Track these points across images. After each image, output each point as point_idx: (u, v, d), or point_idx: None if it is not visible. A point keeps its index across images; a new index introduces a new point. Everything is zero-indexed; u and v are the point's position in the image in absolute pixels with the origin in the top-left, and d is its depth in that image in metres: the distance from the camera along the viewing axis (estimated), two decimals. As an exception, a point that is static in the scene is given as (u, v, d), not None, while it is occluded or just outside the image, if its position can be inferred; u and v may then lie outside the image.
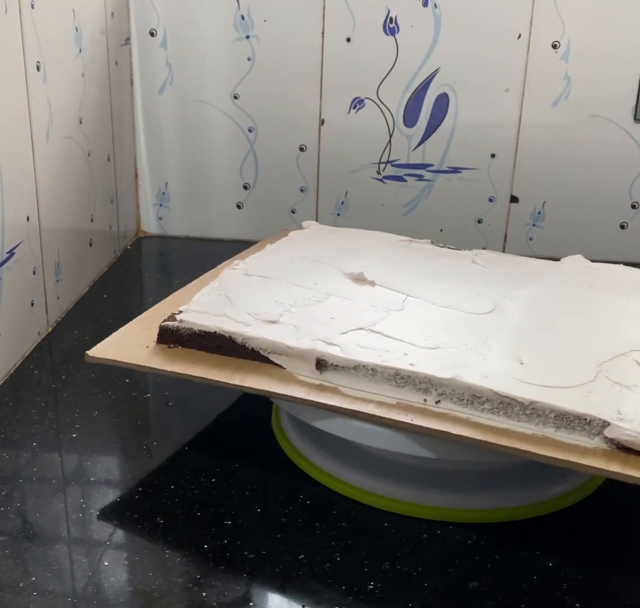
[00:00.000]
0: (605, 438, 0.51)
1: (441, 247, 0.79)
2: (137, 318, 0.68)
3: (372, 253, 0.76)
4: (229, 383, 0.58)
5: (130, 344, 0.63)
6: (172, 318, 0.64)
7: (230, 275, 0.71)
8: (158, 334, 0.63)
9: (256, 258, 0.76)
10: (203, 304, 0.65)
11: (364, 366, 0.57)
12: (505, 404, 0.53)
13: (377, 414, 0.55)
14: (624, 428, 0.50)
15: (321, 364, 0.58)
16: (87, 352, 0.62)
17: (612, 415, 0.51)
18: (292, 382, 0.58)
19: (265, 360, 0.60)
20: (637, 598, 0.53)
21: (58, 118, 0.84)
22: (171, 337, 0.63)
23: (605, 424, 0.51)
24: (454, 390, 0.54)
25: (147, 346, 0.63)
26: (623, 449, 0.50)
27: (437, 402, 0.55)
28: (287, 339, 0.59)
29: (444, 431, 0.53)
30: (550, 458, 0.50)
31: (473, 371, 0.55)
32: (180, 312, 0.64)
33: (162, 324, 0.63)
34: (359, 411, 0.55)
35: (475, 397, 0.54)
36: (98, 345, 0.63)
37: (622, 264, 0.76)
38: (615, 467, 0.49)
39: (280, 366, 0.59)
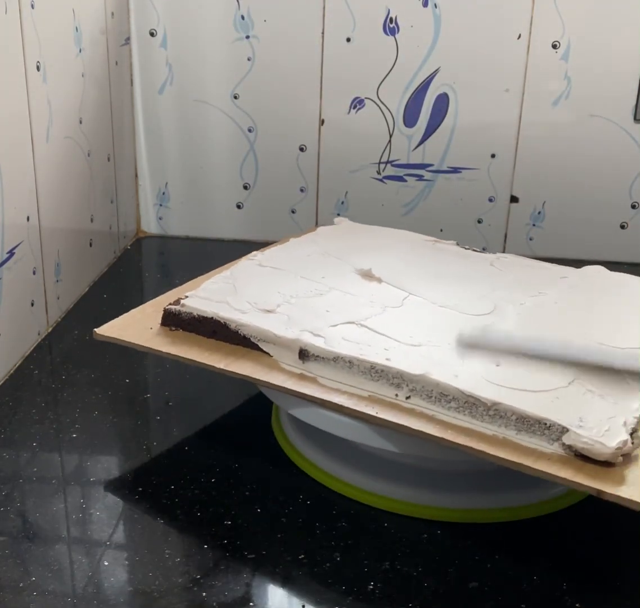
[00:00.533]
0: (563, 444, 0.50)
1: (466, 249, 0.79)
2: (151, 301, 0.70)
3: (391, 251, 0.77)
4: (215, 367, 0.60)
5: (137, 325, 0.66)
6: (177, 302, 0.66)
7: (244, 265, 0.73)
8: (162, 317, 0.65)
9: (275, 251, 0.77)
10: (209, 291, 0.67)
11: (342, 358, 0.58)
12: (470, 404, 0.53)
13: (345, 405, 0.56)
14: (582, 435, 0.50)
15: (303, 354, 0.59)
16: (95, 329, 0.65)
17: (572, 422, 0.51)
18: (275, 369, 0.60)
19: (255, 347, 0.61)
20: (637, 598, 0.53)
21: (58, 118, 0.84)
22: (173, 320, 0.65)
23: (565, 430, 0.51)
24: (424, 386, 0.55)
25: (151, 328, 0.65)
26: (580, 456, 0.50)
27: (407, 398, 0.55)
28: (276, 328, 0.61)
29: (404, 425, 0.53)
30: (502, 460, 0.50)
31: (445, 369, 0.55)
32: (186, 297, 0.66)
33: (166, 307, 0.65)
34: (328, 401, 0.56)
35: (442, 395, 0.54)
36: (107, 324, 0.66)
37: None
38: (567, 474, 0.49)
39: (268, 354, 0.61)
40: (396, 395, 0.56)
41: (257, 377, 0.59)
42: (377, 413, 0.55)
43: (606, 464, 0.49)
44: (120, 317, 0.67)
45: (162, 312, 0.65)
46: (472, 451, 0.51)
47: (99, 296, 0.94)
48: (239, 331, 0.62)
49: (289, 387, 0.58)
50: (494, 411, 0.52)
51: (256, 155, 1.08)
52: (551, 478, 0.49)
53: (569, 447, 0.50)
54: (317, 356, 0.59)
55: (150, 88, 1.07)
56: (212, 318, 0.63)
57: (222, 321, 0.63)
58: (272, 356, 0.61)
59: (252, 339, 0.61)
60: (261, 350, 0.61)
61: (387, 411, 0.55)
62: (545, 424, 0.51)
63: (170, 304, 0.66)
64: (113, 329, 0.65)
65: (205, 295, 0.66)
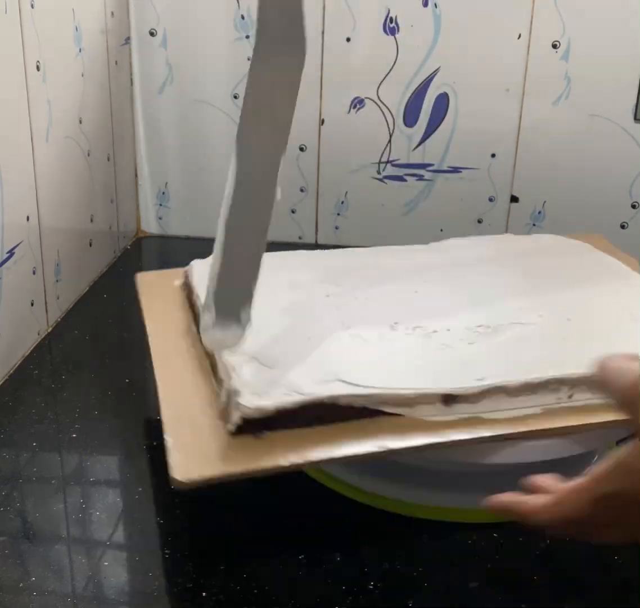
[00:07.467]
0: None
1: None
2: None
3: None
4: (377, 453, 0.51)
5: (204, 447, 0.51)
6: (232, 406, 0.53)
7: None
8: (237, 428, 0.52)
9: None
10: (251, 380, 0.54)
11: (495, 386, 0.54)
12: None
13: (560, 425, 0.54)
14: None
15: (450, 399, 0.54)
16: (175, 477, 0.48)
17: None
18: (423, 427, 0.53)
19: (376, 414, 0.54)
20: (637, 598, 0.53)
21: (58, 118, 0.84)
22: (258, 426, 0.52)
23: None
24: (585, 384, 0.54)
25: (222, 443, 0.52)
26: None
27: (569, 396, 0.55)
28: (404, 384, 0.54)
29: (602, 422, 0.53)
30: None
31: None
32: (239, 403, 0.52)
33: (245, 416, 0.52)
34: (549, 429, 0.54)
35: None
36: (173, 465, 0.49)
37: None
38: None
39: (397, 415, 0.54)
40: (559, 399, 0.55)
41: (437, 441, 0.52)
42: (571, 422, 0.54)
43: None
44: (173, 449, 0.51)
45: (232, 422, 0.52)
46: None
47: (99, 296, 0.94)
48: (354, 405, 0.53)
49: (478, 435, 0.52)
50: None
51: (256, 155, 1.08)
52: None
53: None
54: (467, 395, 0.54)
55: (150, 88, 1.07)
56: (319, 401, 0.52)
57: (331, 401, 0.52)
58: (402, 415, 0.53)
59: (377, 407, 0.53)
60: (385, 414, 0.53)
61: (568, 417, 0.54)
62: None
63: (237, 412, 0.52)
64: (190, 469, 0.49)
65: (256, 389, 0.53)
